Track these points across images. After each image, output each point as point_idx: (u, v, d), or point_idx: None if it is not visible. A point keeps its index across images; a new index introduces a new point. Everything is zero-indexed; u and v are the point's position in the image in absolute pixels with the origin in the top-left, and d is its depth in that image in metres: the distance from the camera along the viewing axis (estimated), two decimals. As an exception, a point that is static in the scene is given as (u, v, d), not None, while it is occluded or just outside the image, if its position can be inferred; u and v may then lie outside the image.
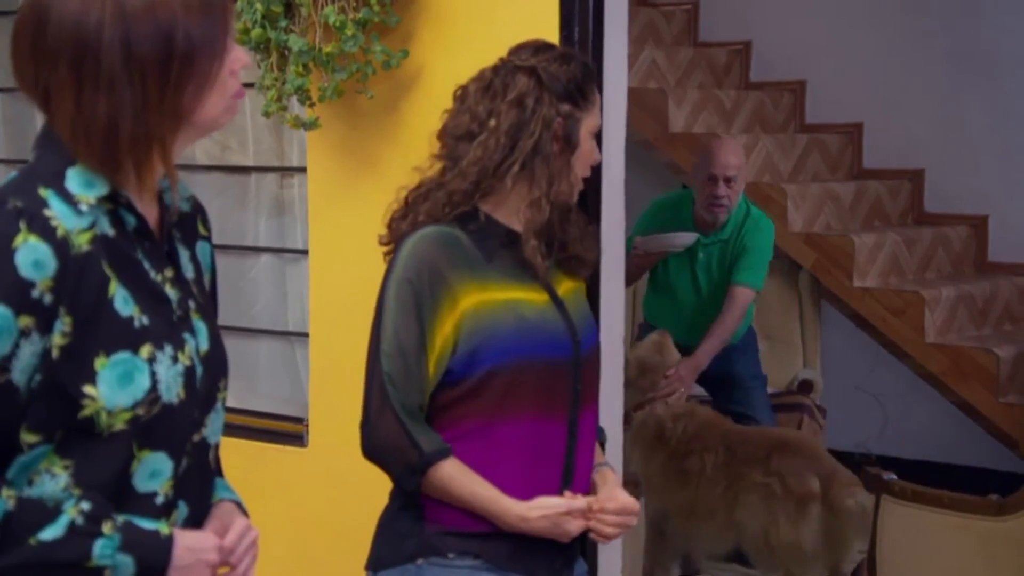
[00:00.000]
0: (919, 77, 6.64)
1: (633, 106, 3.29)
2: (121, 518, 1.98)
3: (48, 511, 1.94)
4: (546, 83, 2.66)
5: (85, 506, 1.96)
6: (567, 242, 2.75)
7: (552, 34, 3.10)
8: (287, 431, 3.66)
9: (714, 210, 5.37)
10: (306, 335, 3.62)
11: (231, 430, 3.65)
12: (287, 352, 3.81)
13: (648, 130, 6.19)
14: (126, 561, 1.97)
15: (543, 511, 2.62)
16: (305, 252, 3.62)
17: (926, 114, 6.65)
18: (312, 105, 3.23)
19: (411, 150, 2.92)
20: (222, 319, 3.89)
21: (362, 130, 3.32)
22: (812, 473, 4.55)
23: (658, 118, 6.31)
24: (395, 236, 2.71)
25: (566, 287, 2.75)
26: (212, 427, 2.16)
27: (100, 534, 1.95)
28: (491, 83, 2.69)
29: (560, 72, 2.67)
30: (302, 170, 3.64)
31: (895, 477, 4.14)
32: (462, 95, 2.73)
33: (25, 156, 2.17)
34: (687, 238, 5.38)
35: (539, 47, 2.73)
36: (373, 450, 2.63)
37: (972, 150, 6.57)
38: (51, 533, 1.93)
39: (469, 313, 2.59)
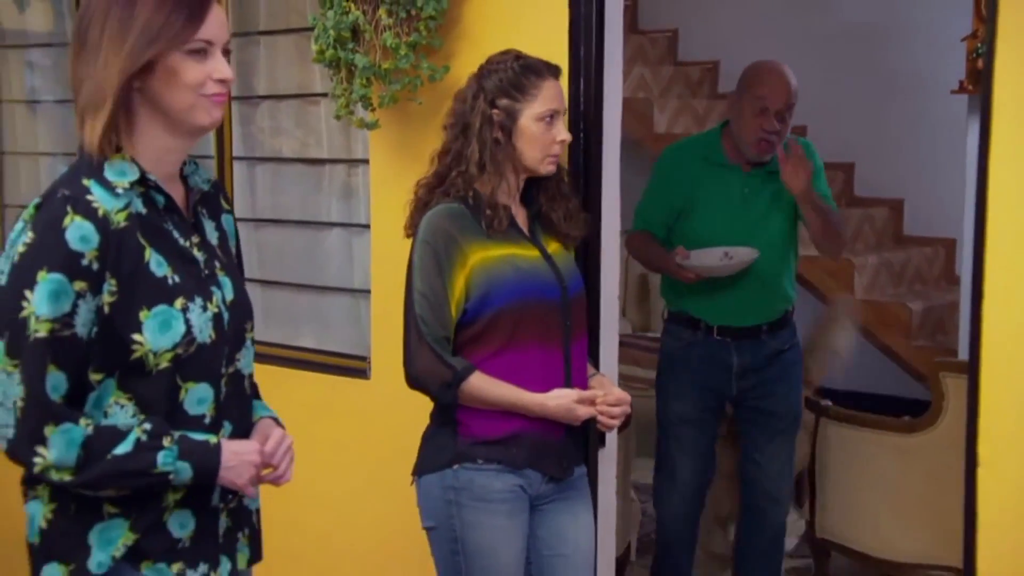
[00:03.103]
0: (851, 89, 6.62)
1: (625, 112, 3.25)
2: (177, 433, 2.01)
3: (119, 432, 1.97)
4: (484, 85, 2.67)
5: (147, 426, 1.99)
6: (554, 220, 2.75)
7: (563, 55, 3.05)
8: (354, 367, 3.64)
9: (763, 148, 3.70)
10: (368, 292, 3.60)
11: (309, 366, 3.68)
12: (353, 305, 3.79)
13: (637, 131, 6.16)
14: (184, 466, 2.01)
15: (558, 399, 2.64)
16: (367, 226, 3.60)
17: (856, 119, 6.64)
18: (373, 110, 3.21)
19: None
20: (304, 279, 3.91)
21: (413, 130, 3.30)
22: None
23: (645, 122, 6.29)
24: (410, 224, 2.75)
25: (555, 247, 2.76)
26: (244, 360, 2.18)
27: (161, 447, 1.98)
28: (463, 88, 2.71)
29: (496, 74, 2.67)
30: (365, 162, 3.61)
31: (831, 404, 4.12)
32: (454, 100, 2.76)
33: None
34: (746, 260, 3.65)
35: (499, 54, 2.73)
36: (415, 377, 2.65)
37: (891, 148, 6.58)
38: (122, 449, 1.96)
39: (477, 267, 2.61)
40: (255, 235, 3.96)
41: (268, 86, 3.93)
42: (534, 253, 2.71)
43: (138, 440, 1.97)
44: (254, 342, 2.22)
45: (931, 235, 6.57)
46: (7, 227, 4.72)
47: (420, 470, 2.72)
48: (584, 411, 2.66)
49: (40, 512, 2.04)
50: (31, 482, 2.05)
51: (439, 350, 2.60)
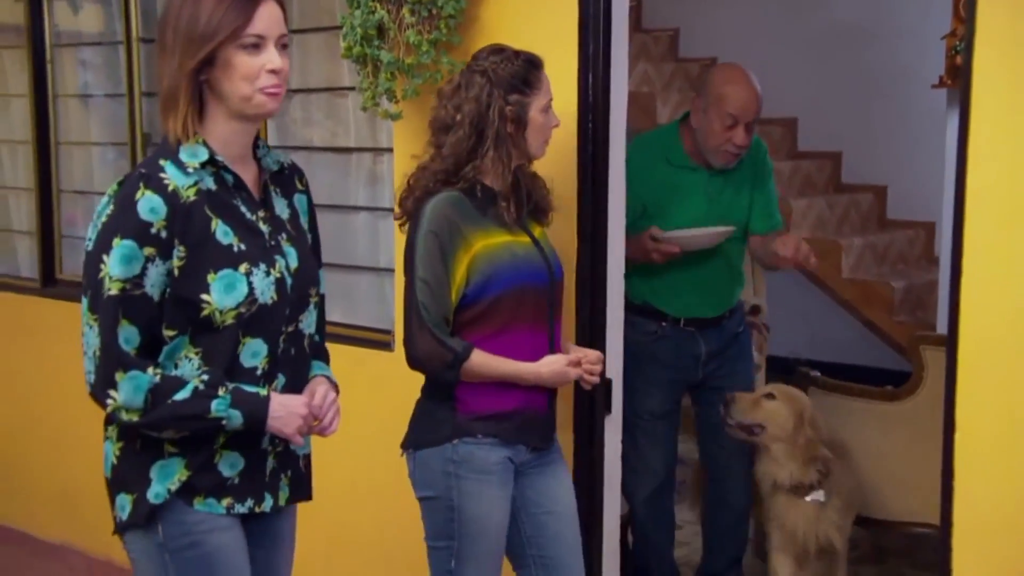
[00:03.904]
0: (839, 84, 6.59)
1: (630, 105, 3.23)
2: (232, 384, 2.10)
3: (181, 381, 2.07)
4: (495, 81, 2.62)
5: (205, 377, 2.09)
6: (536, 197, 2.74)
7: (572, 51, 3.04)
8: (378, 340, 3.64)
9: (731, 159, 3.51)
10: (392, 271, 3.60)
11: (338, 339, 3.66)
12: (379, 282, 3.79)
13: (641, 123, 6.13)
14: (235, 413, 2.10)
15: (550, 366, 2.66)
16: (392, 210, 3.57)
17: (843, 111, 6.62)
18: (397, 102, 3.20)
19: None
20: (333, 259, 3.91)
21: (433, 121, 3.28)
22: None
23: (648, 114, 6.27)
24: (405, 211, 2.71)
25: (539, 232, 2.76)
26: (307, 321, 2.26)
27: (216, 395, 2.08)
28: (458, 84, 2.66)
29: (506, 71, 2.63)
30: (390, 150, 3.60)
31: (819, 374, 4.11)
32: (439, 94, 2.70)
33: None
34: (724, 232, 3.50)
35: (493, 51, 2.68)
36: (416, 360, 2.63)
37: (876, 138, 6.56)
38: (181, 395, 2.06)
39: (480, 254, 2.59)
40: (288, 218, 3.96)
41: (300, 80, 3.92)
42: (526, 240, 2.69)
43: (196, 388, 2.07)
44: (318, 305, 2.32)
45: (912, 219, 6.55)
46: (63, 211, 4.74)
47: (417, 444, 2.70)
48: (574, 372, 2.69)
49: (112, 450, 2.17)
50: (106, 424, 2.17)
51: (438, 333, 2.58)
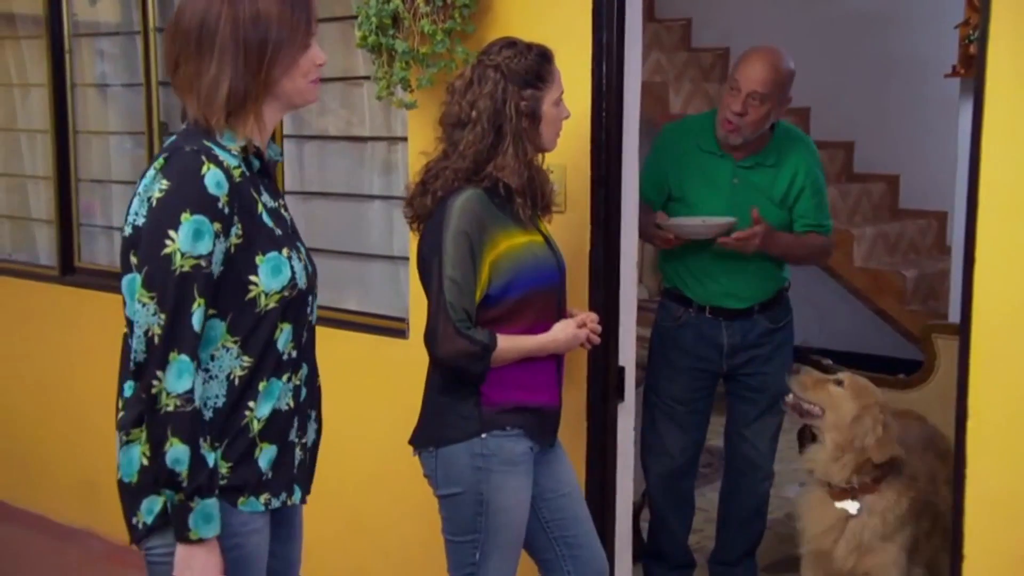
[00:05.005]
0: (852, 73, 6.57)
1: (643, 94, 3.21)
2: (216, 509, 2.02)
3: (202, 457, 2.01)
4: (509, 76, 2.57)
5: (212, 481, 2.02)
6: (546, 192, 2.72)
7: (586, 41, 3.03)
8: (394, 327, 3.64)
9: (726, 128, 3.45)
10: (407, 258, 3.59)
11: (352, 327, 3.68)
12: (393, 270, 3.79)
13: (654, 112, 6.12)
14: (207, 515, 2.02)
15: (564, 331, 2.68)
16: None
17: (856, 100, 6.60)
18: (412, 91, 3.19)
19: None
20: (348, 247, 3.92)
21: (448, 110, 3.28)
22: None
23: (661, 103, 6.25)
24: (418, 210, 2.68)
25: (544, 227, 2.75)
26: (313, 311, 2.24)
27: (206, 496, 2.01)
28: (470, 80, 2.61)
29: (519, 65, 2.59)
30: (404, 139, 3.59)
31: (831, 363, 4.10)
32: (451, 89, 2.66)
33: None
34: (723, 224, 3.41)
35: (504, 45, 2.64)
36: (444, 359, 2.60)
37: (888, 128, 6.53)
38: (199, 451, 2.01)
39: (504, 254, 2.57)
40: (303, 207, 3.96)
41: (316, 70, 3.92)
42: (539, 238, 2.68)
43: (204, 470, 1.99)
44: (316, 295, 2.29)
45: (924, 208, 6.53)
46: (81, 199, 4.75)
47: (439, 441, 2.65)
48: (583, 333, 2.71)
49: (138, 453, 2.02)
50: (130, 426, 2.03)
51: (464, 329, 2.56)
